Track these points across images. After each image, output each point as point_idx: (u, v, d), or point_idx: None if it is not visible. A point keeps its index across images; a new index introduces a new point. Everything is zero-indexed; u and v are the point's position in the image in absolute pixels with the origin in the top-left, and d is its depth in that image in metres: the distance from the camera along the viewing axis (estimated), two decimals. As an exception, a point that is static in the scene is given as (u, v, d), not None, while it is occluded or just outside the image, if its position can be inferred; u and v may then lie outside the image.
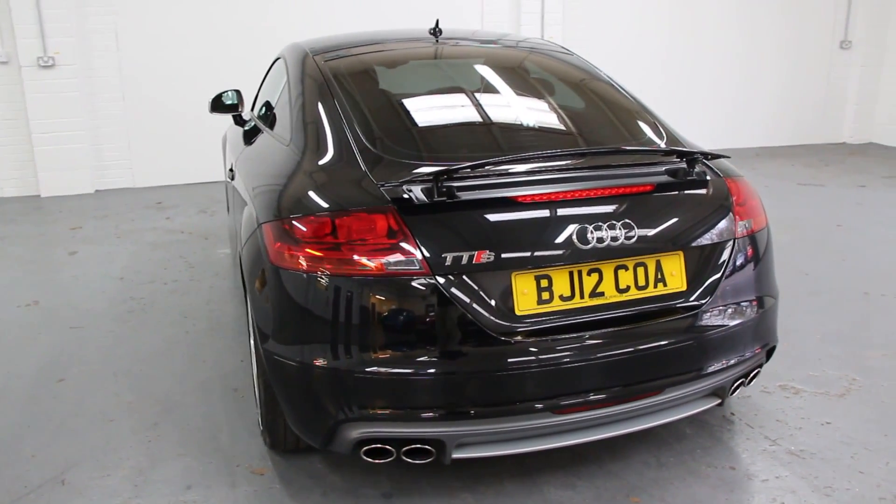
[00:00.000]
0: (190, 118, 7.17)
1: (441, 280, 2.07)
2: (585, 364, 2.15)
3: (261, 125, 3.55)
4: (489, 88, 2.95)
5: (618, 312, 2.21)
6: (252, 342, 2.90)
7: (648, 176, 2.36)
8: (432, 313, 2.07)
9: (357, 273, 2.09)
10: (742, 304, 2.41)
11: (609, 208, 2.23)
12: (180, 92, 7.12)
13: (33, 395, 3.19)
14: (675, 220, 2.31)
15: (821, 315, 3.85)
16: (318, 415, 2.20)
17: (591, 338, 2.17)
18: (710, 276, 2.34)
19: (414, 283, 2.07)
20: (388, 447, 2.18)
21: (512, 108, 2.87)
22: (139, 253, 5.17)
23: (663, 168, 2.43)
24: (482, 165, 2.22)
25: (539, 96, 2.94)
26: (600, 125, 2.76)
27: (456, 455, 2.18)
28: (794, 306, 3.89)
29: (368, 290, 2.08)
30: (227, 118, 7.09)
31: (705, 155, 2.41)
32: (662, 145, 2.62)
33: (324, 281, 2.12)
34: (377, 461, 2.24)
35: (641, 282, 2.24)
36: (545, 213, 2.19)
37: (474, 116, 2.78)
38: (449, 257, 2.07)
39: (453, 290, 2.07)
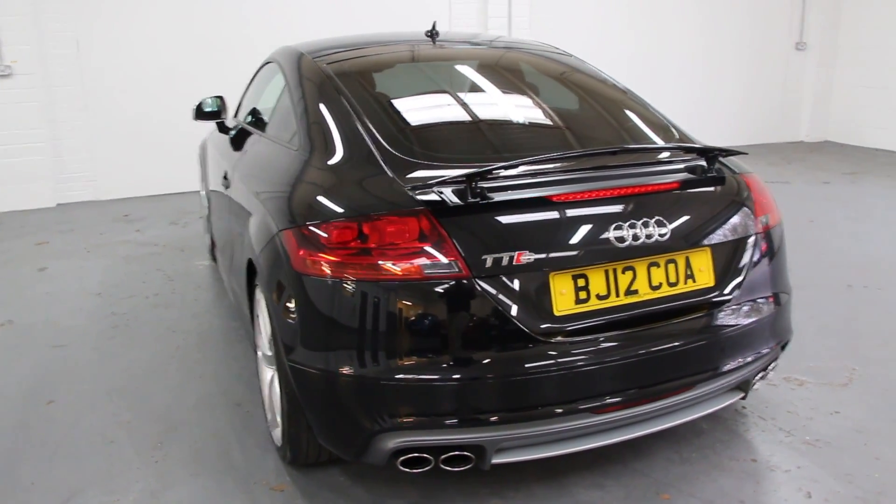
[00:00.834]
0: (156, 127, 6.98)
1: (481, 282, 2.03)
2: (625, 362, 2.14)
3: (253, 130, 3.47)
4: (499, 89, 2.93)
5: (651, 309, 2.21)
6: (259, 354, 2.83)
7: (674, 173, 2.37)
8: (473, 316, 2.03)
9: (393, 278, 2.03)
10: (765, 298, 2.44)
11: (641, 206, 2.22)
12: (145, 101, 6.92)
13: (22, 420, 3.03)
14: (701, 216, 2.32)
15: (811, 309, 3.93)
16: (353, 426, 2.14)
17: (628, 336, 2.16)
18: (736, 271, 2.36)
19: (454, 287, 2.02)
20: (425, 456, 2.12)
21: (524, 108, 2.85)
22: (113, 267, 4.99)
23: (684, 166, 2.44)
24: (515, 166, 2.20)
25: (550, 97, 2.93)
26: (614, 125, 2.76)
27: (495, 460, 2.14)
28: (784, 300, 3.96)
29: (405, 296, 2.03)
30: (200, 127, 6.97)
31: (724, 152, 2.43)
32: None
33: (357, 288, 2.06)
34: (413, 471, 2.18)
35: (672, 278, 2.24)
36: (580, 211, 2.17)
37: (488, 117, 2.76)
38: (489, 259, 2.03)
39: (494, 292, 2.04)
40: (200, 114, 4.08)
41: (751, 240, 2.40)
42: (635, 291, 2.19)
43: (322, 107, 2.72)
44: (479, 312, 2.03)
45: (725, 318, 2.32)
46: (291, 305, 2.21)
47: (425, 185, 2.17)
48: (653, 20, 8.71)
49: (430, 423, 2.06)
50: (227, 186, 3.34)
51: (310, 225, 2.20)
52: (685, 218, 2.28)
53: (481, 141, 2.60)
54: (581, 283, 2.12)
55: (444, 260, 2.02)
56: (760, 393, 3.06)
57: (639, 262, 2.20)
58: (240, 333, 3.83)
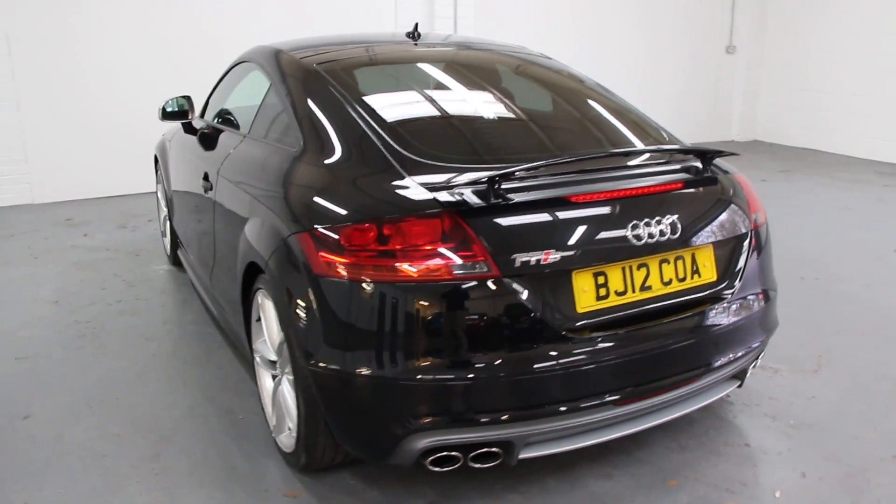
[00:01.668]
0: (97, 127, 6.70)
1: (510, 281, 2.06)
2: (644, 355, 2.22)
3: (233, 130, 3.39)
4: (496, 91, 2.96)
5: (663, 304, 2.30)
6: (257, 359, 2.78)
7: (676, 174, 2.47)
8: (504, 315, 2.06)
9: (422, 279, 2.04)
10: (759, 291, 2.57)
11: (653, 205, 2.31)
12: (85, 99, 6.63)
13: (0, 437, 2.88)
14: (704, 214, 2.42)
15: (771, 299, 4.13)
16: (382, 428, 2.13)
17: (646, 329, 2.24)
18: (736, 266, 2.48)
19: (485, 286, 2.05)
20: (454, 454, 2.14)
21: (521, 110, 2.89)
22: (66, 273, 4.77)
23: (682, 166, 2.54)
24: (537, 167, 2.24)
25: (546, 99, 2.99)
26: (611, 127, 2.83)
27: (522, 455, 2.19)
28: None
29: (435, 296, 2.04)
30: (145, 126, 6.75)
31: (719, 153, 2.54)
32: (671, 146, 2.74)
33: (385, 290, 2.06)
34: (442, 469, 2.20)
35: (681, 274, 2.34)
36: (598, 211, 2.23)
37: (489, 118, 2.79)
38: (518, 259, 2.07)
39: (522, 290, 2.08)
40: (167, 114, 3.96)
41: (747, 236, 2.52)
42: (649, 287, 2.28)
43: (322, 108, 2.69)
44: (509, 311, 2.07)
45: (729, 310, 2.43)
46: (313, 309, 2.18)
47: (446, 186, 2.19)
48: (594, 25, 8.94)
49: (462, 422, 2.08)
50: (208, 188, 3.26)
51: (330, 228, 2.18)
52: (691, 216, 2.38)
53: (487, 142, 2.63)
54: (601, 280, 2.19)
55: (473, 260, 2.05)
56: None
57: (651, 259, 2.28)
58: (217, 340, 3.73)
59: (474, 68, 3.19)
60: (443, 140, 2.59)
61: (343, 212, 2.23)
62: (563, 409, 2.12)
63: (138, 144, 6.79)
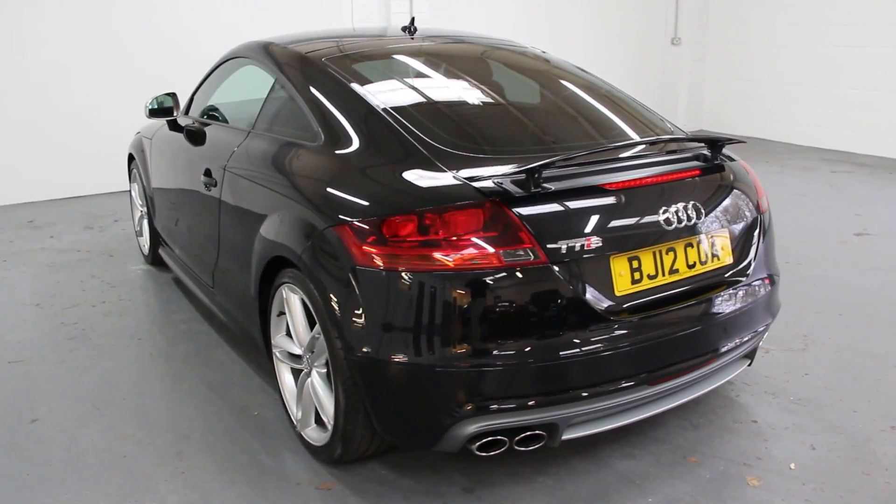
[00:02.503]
0: (54, 127, 6.47)
1: (557, 268, 2.13)
2: (674, 335, 2.32)
3: (235, 126, 3.35)
4: (506, 83, 3.02)
5: (688, 286, 2.41)
6: (277, 353, 2.76)
7: (694, 161, 2.57)
8: (551, 301, 2.13)
9: (471, 268, 2.08)
10: (767, 273, 2.70)
11: (678, 191, 2.41)
12: (41, 98, 6.39)
13: (11, 442, 2.79)
14: (721, 199, 2.54)
15: (749, 282, 4.32)
16: (431, 416, 2.17)
17: (675, 311, 2.34)
18: (749, 250, 2.61)
19: (533, 273, 2.11)
20: (500, 438, 2.20)
21: (535, 100, 2.96)
22: (41, 276, 4.61)
23: (692, 154, 2.65)
24: (573, 157, 2.31)
25: (554, 91, 3.05)
26: (627, 117, 2.91)
27: (565, 436, 2.26)
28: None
29: (485, 284, 2.09)
30: (106, 124, 6.56)
31: (730, 140, 2.65)
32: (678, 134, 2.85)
33: (435, 279, 2.10)
34: (488, 454, 2.25)
35: (703, 257, 2.45)
36: (631, 198, 2.32)
37: (508, 109, 2.84)
38: (563, 245, 2.13)
39: (568, 276, 2.15)
40: (155, 112, 3.88)
41: (756, 220, 2.65)
42: (676, 270, 2.38)
43: (339, 101, 2.71)
44: (556, 297, 2.13)
45: (746, 292, 2.55)
46: (357, 301, 2.20)
47: (484, 176, 2.23)
48: (543, 19, 9.09)
49: (511, 406, 2.14)
50: (211, 185, 3.21)
51: (370, 220, 2.20)
52: (710, 202, 2.49)
53: (512, 133, 2.68)
54: (635, 264, 2.28)
55: (522, 248, 2.10)
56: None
57: (678, 244, 2.38)
58: (213, 338, 3.68)
59: (483, 61, 3.24)
60: (469, 131, 2.63)
61: (383, 204, 2.25)
62: (605, 389, 2.20)
63: (98, 143, 6.61)
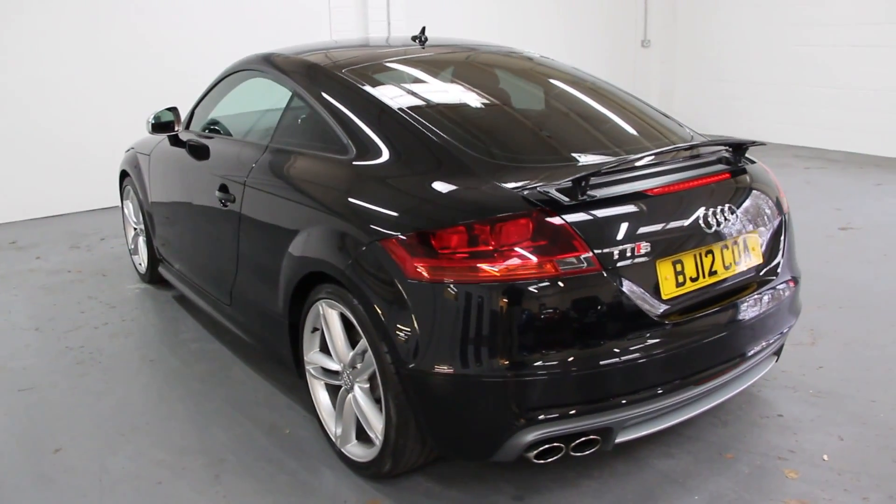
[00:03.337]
0: (30, 145, 6.29)
1: (610, 274, 2.16)
2: (718, 334, 2.38)
3: (251, 142, 3.31)
4: (530, 92, 3.05)
5: (725, 287, 2.46)
6: (310, 370, 2.73)
7: (722, 164, 2.63)
8: (606, 307, 2.15)
9: (528, 277, 2.10)
10: (792, 270, 2.77)
11: (714, 194, 2.46)
12: (15, 115, 6.20)
13: (39, 473, 2.71)
14: (750, 201, 2.60)
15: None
16: (489, 426, 2.18)
17: (717, 311, 2.39)
18: (777, 249, 2.68)
19: (589, 280, 2.13)
20: (557, 445, 2.21)
21: (560, 109, 2.99)
22: (35, 298, 4.48)
23: (717, 157, 2.71)
24: (617, 165, 2.34)
25: (575, 99, 3.08)
26: (652, 123, 2.97)
27: (618, 440, 2.29)
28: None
29: (543, 293, 2.10)
30: (85, 141, 6.41)
31: (754, 142, 2.72)
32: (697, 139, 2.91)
33: (487, 290, 2.10)
34: (544, 461, 2.26)
35: (737, 258, 2.50)
36: (672, 203, 2.36)
37: (537, 118, 2.87)
38: (615, 252, 2.17)
39: (621, 282, 2.18)
40: (158, 126, 3.81)
41: (781, 221, 2.72)
42: (715, 272, 2.43)
43: (370, 113, 2.70)
44: (611, 303, 2.16)
45: (776, 290, 2.62)
46: (410, 315, 2.19)
47: (529, 186, 2.25)
48: (517, 23, 9.17)
49: (570, 413, 2.16)
50: (228, 200, 3.16)
51: (419, 232, 2.21)
52: (742, 203, 2.55)
53: (545, 141, 2.70)
54: (678, 267, 2.32)
55: (576, 256, 2.12)
56: (751, 357, 3.44)
57: (715, 246, 2.43)
58: (227, 356, 3.62)
59: (504, 70, 3.26)
60: (505, 141, 2.65)
61: (430, 216, 2.26)
62: (657, 391, 2.24)
63: (78, 160, 6.46)
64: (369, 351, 2.36)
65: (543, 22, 9.32)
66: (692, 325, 2.31)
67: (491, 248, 2.14)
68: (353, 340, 2.55)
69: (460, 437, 2.28)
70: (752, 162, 2.83)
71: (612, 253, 2.17)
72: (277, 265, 2.80)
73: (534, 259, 2.11)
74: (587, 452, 2.29)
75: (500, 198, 2.24)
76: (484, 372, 2.13)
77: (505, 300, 2.10)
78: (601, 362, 2.15)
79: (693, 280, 2.36)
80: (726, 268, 2.47)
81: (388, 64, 3.14)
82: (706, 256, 2.40)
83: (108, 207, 6.67)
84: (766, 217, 2.65)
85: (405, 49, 3.36)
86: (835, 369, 3.33)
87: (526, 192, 2.23)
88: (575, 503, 2.46)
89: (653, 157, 2.46)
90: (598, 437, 2.25)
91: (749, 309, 2.49)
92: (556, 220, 2.15)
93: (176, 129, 3.86)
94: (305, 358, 2.78)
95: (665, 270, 2.29)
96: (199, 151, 3.59)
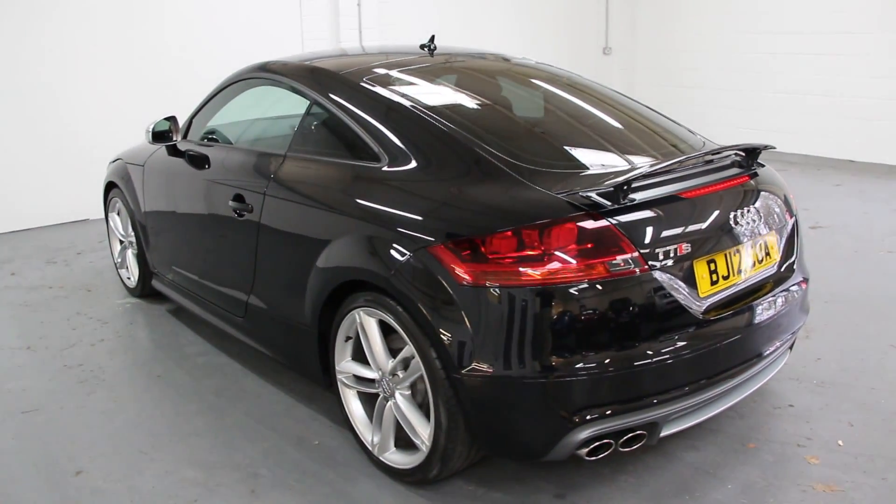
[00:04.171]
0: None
1: (656, 274, 2.23)
2: (750, 329, 2.49)
3: (267, 150, 3.28)
4: (548, 99, 3.12)
5: (751, 285, 2.58)
6: (342, 379, 2.73)
7: (738, 167, 2.74)
8: (653, 306, 2.23)
9: (578, 279, 2.16)
10: (803, 268, 2.91)
11: (740, 196, 2.58)
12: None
13: (66, 497, 2.64)
14: (769, 202, 2.72)
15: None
16: (544, 427, 2.23)
17: (747, 308, 2.50)
18: (792, 248, 2.81)
19: (637, 281, 2.21)
20: (608, 441, 2.28)
21: (580, 116, 3.06)
22: (19, 316, 4.33)
23: (731, 161, 2.82)
24: (656, 169, 2.42)
25: (596, 107, 3.15)
26: (665, 130, 3.06)
27: (662, 433, 2.37)
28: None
29: (594, 295, 2.17)
30: (52, 153, 6.21)
31: (767, 146, 2.84)
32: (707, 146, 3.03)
33: (539, 293, 2.16)
34: (594, 457, 2.32)
35: (760, 258, 2.62)
36: (704, 204, 2.46)
37: (563, 125, 2.94)
38: (659, 252, 2.25)
39: (665, 282, 2.26)
40: (157, 136, 3.74)
41: (793, 221, 2.86)
42: (741, 271, 2.54)
43: (400, 121, 2.74)
44: (658, 302, 2.24)
45: (793, 289, 2.75)
46: (462, 319, 2.23)
47: (572, 191, 2.31)
48: (480, 31, 9.28)
49: (619, 410, 2.23)
50: (245, 210, 3.12)
51: (468, 238, 2.25)
52: (763, 205, 2.67)
53: (577, 147, 2.76)
54: (712, 267, 2.42)
55: (624, 258, 2.20)
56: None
57: (742, 245, 2.54)
58: (236, 369, 3.58)
59: (521, 78, 3.33)
60: (540, 147, 2.71)
61: (479, 222, 2.30)
62: (700, 385, 2.34)
63: (40, 173, 6.25)
64: (416, 357, 2.38)
65: (508, 28, 9.45)
66: (729, 321, 2.42)
67: (542, 251, 2.19)
68: (390, 348, 2.57)
69: (515, 439, 2.32)
70: (762, 165, 2.96)
71: (658, 253, 2.25)
72: (304, 274, 2.79)
73: (585, 261, 2.18)
74: (634, 447, 2.36)
75: (546, 203, 2.29)
76: (541, 373, 2.18)
77: (559, 302, 2.16)
78: (653, 359, 2.23)
79: (725, 278, 2.46)
80: (751, 266, 2.58)
81: (407, 72, 3.16)
82: (734, 255, 2.51)
83: (77, 221, 6.48)
84: (781, 218, 2.78)
85: (419, 58, 3.39)
86: (832, 360, 3.49)
87: (568, 197, 2.29)
88: (615, 498, 2.54)
89: (684, 161, 2.56)
90: (645, 432, 2.32)
91: (773, 305, 2.61)
92: (604, 223, 2.22)
93: (175, 138, 3.79)
94: (337, 367, 2.78)
95: (701, 269, 2.38)
96: (205, 161, 3.54)
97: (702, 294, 2.37)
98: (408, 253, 2.36)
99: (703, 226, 2.43)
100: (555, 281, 2.16)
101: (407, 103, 2.80)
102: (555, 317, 2.17)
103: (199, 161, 3.58)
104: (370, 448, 2.71)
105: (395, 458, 2.62)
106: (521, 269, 2.18)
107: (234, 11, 7.14)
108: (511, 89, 3.21)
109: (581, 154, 2.68)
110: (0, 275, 5.11)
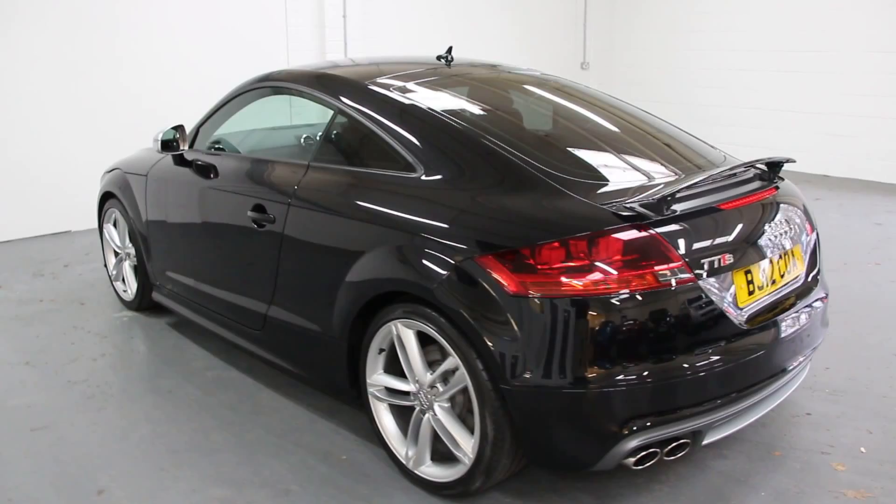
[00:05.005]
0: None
1: (702, 284, 2.26)
2: (785, 337, 2.53)
3: (289, 160, 3.24)
4: (576, 112, 3.15)
5: (782, 294, 2.63)
6: (372, 392, 2.70)
7: (761, 180, 2.80)
8: (700, 316, 2.26)
9: (628, 289, 2.18)
10: (824, 284, 2.97)
11: (771, 209, 2.64)
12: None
13: (91, 516, 2.55)
14: (793, 215, 2.78)
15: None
16: (595, 437, 2.24)
17: (781, 317, 2.55)
18: (814, 259, 2.88)
19: (684, 291, 2.24)
20: (654, 450, 2.29)
21: (608, 128, 3.10)
22: (13, 331, 4.19)
23: (753, 175, 2.88)
24: (697, 182, 2.46)
25: (620, 120, 3.18)
26: (688, 144, 3.11)
27: (705, 441, 2.39)
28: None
29: (644, 304, 2.19)
30: (29, 163, 6.04)
31: (789, 160, 2.90)
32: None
33: (589, 303, 2.17)
34: (641, 466, 2.33)
35: (788, 269, 2.67)
36: (740, 216, 2.51)
37: (593, 138, 2.97)
38: (705, 263, 2.28)
39: (710, 292, 2.29)
40: (166, 145, 3.67)
41: (815, 235, 2.93)
42: (774, 281, 2.59)
43: (433, 131, 2.74)
44: (704, 312, 2.27)
45: (817, 297, 2.81)
46: (513, 330, 2.22)
47: (616, 202, 2.33)
48: (464, 47, 9.30)
49: (667, 420, 2.24)
50: (266, 221, 3.07)
51: (516, 249, 2.25)
52: (790, 217, 2.73)
53: (612, 159, 2.79)
54: (749, 277, 2.46)
55: (671, 268, 2.22)
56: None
57: (773, 257, 2.59)
58: (248, 384, 3.51)
59: (544, 90, 3.36)
60: (577, 158, 2.73)
61: (527, 232, 2.30)
62: (742, 393, 2.38)
63: (21, 184, 6.08)
64: (461, 368, 2.37)
65: (489, 43, 9.51)
66: (767, 330, 2.46)
67: (590, 261, 2.20)
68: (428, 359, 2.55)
69: (563, 449, 2.32)
70: (783, 179, 3.03)
71: (703, 264, 2.29)
72: (333, 286, 2.76)
73: (633, 272, 2.20)
74: (679, 455, 2.38)
75: (592, 214, 2.31)
76: (588, 384, 2.19)
77: (607, 313, 2.18)
78: (699, 368, 2.26)
79: (760, 289, 2.50)
80: (782, 276, 2.63)
81: (432, 83, 3.16)
82: (767, 266, 2.55)
83: (60, 232, 6.31)
84: (804, 230, 2.84)
85: (441, 69, 3.39)
86: (840, 370, 3.57)
87: (614, 209, 2.31)
88: (653, 508, 2.55)
89: (718, 175, 2.60)
90: (689, 440, 2.34)
91: (804, 311, 2.67)
92: (650, 234, 2.25)
93: (182, 147, 3.72)
94: (368, 380, 2.75)
95: (739, 280, 2.42)
96: (216, 171, 3.48)
97: (740, 304, 2.41)
98: (453, 264, 2.35)
99: (741, 237, 2.48)
100: (606, 291, 2.18)
101: (438, 113, 2.80)
102: (610, 327, 2.18)
103: (209, 171, 3.52)
104: (404, 462, 2.68)
105: (432, 471, 2.59)
106: (567, 279, 2.19)
107: (220, 24, 7.07)
108: (542, 100, 3.24)
109: (611, 165, 2.71)
110: (-15, 288, 4.95)
